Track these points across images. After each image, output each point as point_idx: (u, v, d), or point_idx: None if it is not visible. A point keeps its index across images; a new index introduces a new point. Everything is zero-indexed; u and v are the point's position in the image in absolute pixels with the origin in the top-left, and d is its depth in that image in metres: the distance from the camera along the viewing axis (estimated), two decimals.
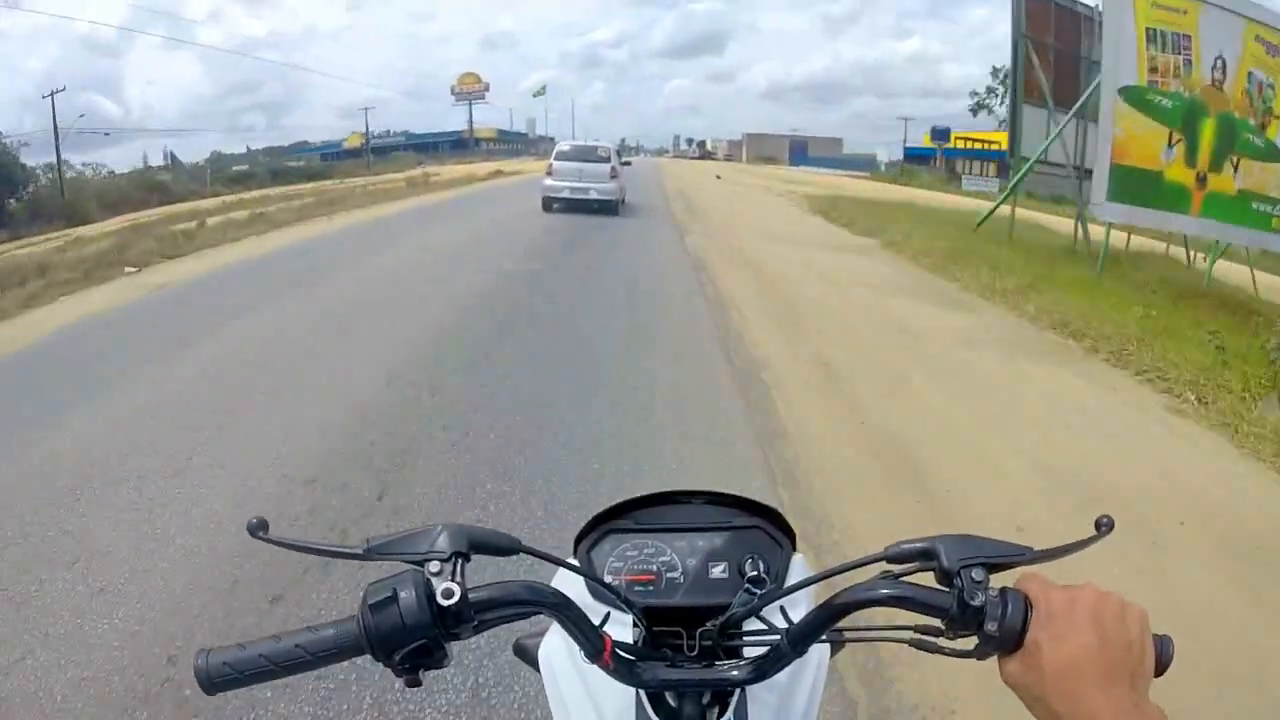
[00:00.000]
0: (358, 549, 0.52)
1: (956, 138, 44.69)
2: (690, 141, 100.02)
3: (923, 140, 51.49)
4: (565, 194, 13.02)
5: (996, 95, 41.16)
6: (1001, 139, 37.02)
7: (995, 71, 40.74)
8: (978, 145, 41.84)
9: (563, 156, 13.56)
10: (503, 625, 0.54)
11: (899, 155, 57.47)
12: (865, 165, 55.52)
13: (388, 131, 64.04)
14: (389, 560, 0.51)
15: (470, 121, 67.57)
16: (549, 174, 13.37)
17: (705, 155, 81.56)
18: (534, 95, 79.76)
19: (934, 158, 47.15)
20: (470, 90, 66.79)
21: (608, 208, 13.17)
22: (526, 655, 0.74)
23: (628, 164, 17.60)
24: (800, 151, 68.83)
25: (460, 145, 62.36)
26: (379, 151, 52.21)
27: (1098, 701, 0.44)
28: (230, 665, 0.48)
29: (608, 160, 13.51)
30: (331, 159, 48.86)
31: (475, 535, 0.53)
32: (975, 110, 44.16)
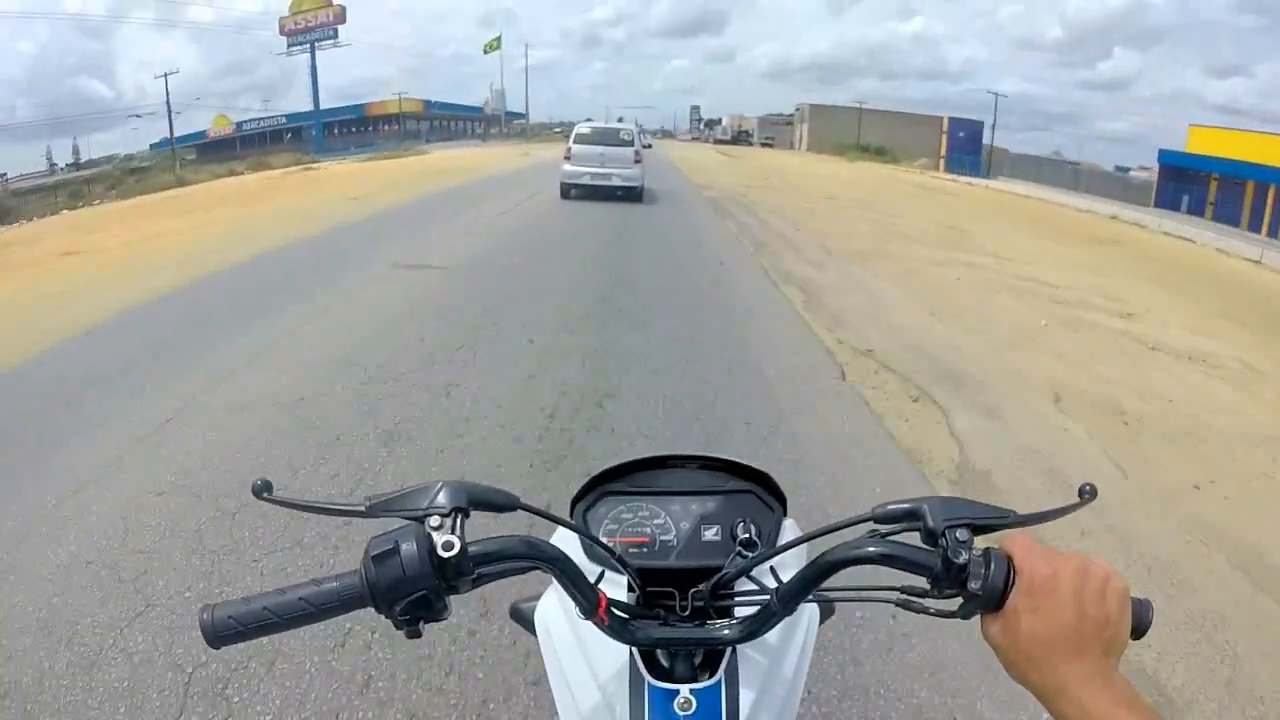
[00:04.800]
0: (359, 506, 0.53)
1: None
2: (700, 121, 71.70)
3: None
4: (586, 180, 12.56)
5: None
6: None
7: None
8: None
9: (583, 140, 12.97)
10: (500, 581, 0.55)
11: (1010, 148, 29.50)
12: None
13: (280, 117, 40.09)
14: (391, 517, 0.53)
15: (314, 75, 37.19)
16: (568, 159, 12.87)
17: (738, 138, 63.29)
18: (485, 50, 54.32)
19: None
20: (308, 23, 36.41)
21: (631, 194, 12.76)
22: (522, 619, 0.76)
23: (648, 147, 17.14)
24: (969, 144, 33.87)
25: (365, 125, 41.03)
26: (248, 141, 36.21)
27: (1067, 673, 0.46)
28: (235, 619, 0.50)
29: (631, 144, 13.03)
30: (209, 151, 35.83)
31: (475, 492, 0.54)
32: None
